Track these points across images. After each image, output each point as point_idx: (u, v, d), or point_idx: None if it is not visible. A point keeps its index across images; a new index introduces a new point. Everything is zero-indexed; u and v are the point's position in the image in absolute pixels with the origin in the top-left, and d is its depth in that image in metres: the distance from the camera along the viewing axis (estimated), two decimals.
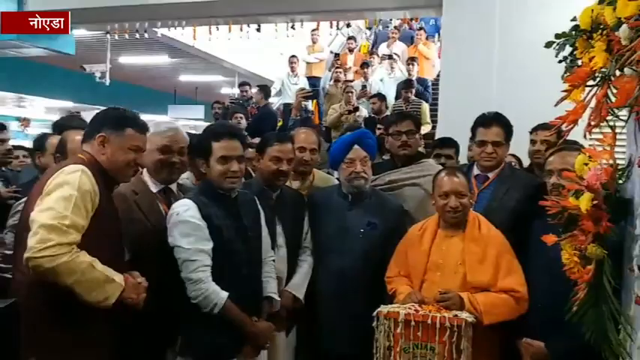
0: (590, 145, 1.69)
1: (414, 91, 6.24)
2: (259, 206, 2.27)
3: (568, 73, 1.54)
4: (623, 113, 1.41)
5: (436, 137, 3.95)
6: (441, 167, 2.74)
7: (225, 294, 2.00)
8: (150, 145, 2.10)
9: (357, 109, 5.97)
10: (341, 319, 2.42)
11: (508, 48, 3.86)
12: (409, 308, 2.08)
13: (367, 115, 6.15)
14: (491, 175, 2.56)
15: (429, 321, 1.99)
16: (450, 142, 3.39)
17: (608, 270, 1.51)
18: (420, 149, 3.88)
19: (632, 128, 1.46)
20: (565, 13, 1.60)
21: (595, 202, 1.48)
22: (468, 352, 1.98)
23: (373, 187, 2.63)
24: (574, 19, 1.51)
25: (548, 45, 1.58)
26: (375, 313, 2.09)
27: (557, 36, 1.56)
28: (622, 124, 1.46)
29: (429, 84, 7.07)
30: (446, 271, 2.24)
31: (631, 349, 1.48)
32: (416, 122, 2.87)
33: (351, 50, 8.35)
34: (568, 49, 1.54)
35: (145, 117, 2.16)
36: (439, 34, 6.87)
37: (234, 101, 7.90)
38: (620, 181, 1.53)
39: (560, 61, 1.57)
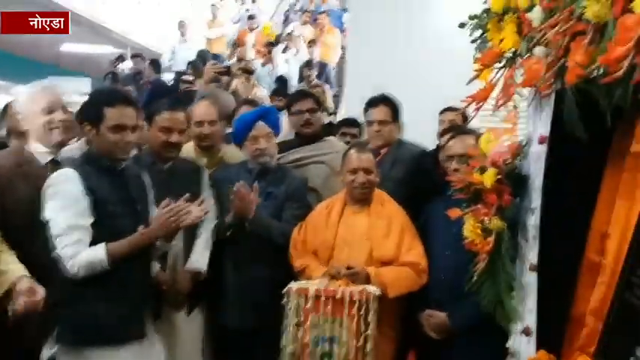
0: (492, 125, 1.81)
1: (315, 71, 6.29)
2: (145, 181, 2.12)
3: (479, 55, 1.62)
4: (527, 94, 1.53)
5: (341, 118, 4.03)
6: (344, 145, 2.80)
7: (100, 246, 1.82)
8: (35, 106, 1.94)
9: (228, 71, 5.76)
10: (243, 292, 2.38)
11: (413, 33, 4.02)
12: (319, 284, 2.10)
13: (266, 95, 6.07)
14: (383, 151, 2.70)
15: (339, 295, 2.02)
16: (354, 123, 3.47)
17: (507, 240, 1.64)
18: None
19: (533, 108, 1.58)
20: None
21: (499, 177, 1.58)
22: (375, 325, 2.04)
23: (280, 164, 2.62)
24: (485, 2, 1.59)
25: (462, 26, 1.66)
26: (285, 291, 2.08)
27: (471, 17, 1.64)
28: (525, 104, 1.57)
29: (331, 68, 7.17)
30: (353, 246, 2.28)
31: (523, 312, 1.62)
32: (317, 100, 2.90)
33: (251, 29, 8.18)
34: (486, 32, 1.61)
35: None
36: (343, 25, 6.98)
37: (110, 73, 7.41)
38: (519, 159, 1.65)
39: (473, 41, 1.64)
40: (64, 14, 4.68)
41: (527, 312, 1.59)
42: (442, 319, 2.16)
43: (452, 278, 2.06)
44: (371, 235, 2.27)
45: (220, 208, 2.45)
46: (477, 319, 1.93)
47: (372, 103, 2.75)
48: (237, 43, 7.14)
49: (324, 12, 7.62)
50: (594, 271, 1.51)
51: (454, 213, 1.76)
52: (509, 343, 1.72)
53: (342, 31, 7.36)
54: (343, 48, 6.37)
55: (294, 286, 2.09)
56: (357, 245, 2.27)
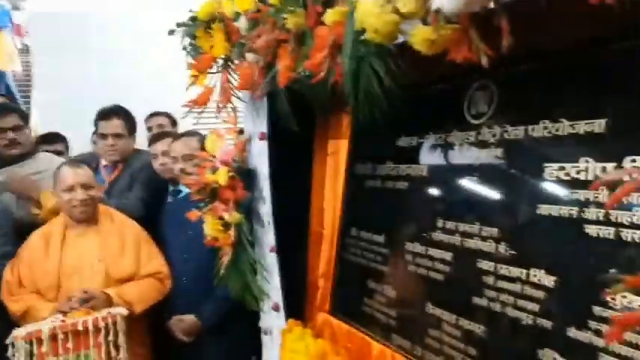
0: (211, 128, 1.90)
1: None
2: None
3: (193, 61, 1.68)
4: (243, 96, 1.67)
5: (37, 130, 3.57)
6: (59, 159, 2.54)
7: None
8: None
9: None
10: None
11: (108, 43, 3.83)
12: (52, 321, 1.87)
13: None
14: (120, 164, 2.61)
15: (81, 327, 1.84)
16: (57, 138, 3.14)
17: (246, 230, 1.77)
18: None
19: (250, 108, 1.73)
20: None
21: (231, 174, 1.69)
22: (125, 346, 1.93)
23: None
24: (192, 11, 1.65)
25: (171, 33, 1.68)
26: (9, 340, 1.79)
27: (178, 25, 1.67)
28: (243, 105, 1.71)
29: (10, 76, 6.12)
30: (85, 272, 2.10)
31: (270, 291, 1.78)
32: (23, 115, 2.54)
33: None
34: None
35: None
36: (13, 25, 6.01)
37: None
38: (245, 155, 1.79)
39: (184, 48, 1.69)
40: None
41: (274, 290, 1.76)
42: (191, 320, 2.19)
43: (194, 279, 2.11)
44: (104, 254, 2.13)
45: None
46: (226, 312, 2.03)
47: (104, 115, 2.60)
48: None
49: None
50: (319, 240, 1.78)
51: (193, 215, 1.80)
52: (261, 322, 1.88)
53: (10, 29, 6.35)
54: (24, 51, 5.54)
55: (21, 332, 1.81)
56: (90, 269, 2.10)
